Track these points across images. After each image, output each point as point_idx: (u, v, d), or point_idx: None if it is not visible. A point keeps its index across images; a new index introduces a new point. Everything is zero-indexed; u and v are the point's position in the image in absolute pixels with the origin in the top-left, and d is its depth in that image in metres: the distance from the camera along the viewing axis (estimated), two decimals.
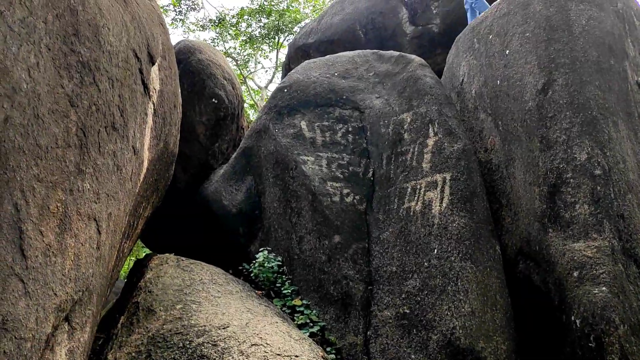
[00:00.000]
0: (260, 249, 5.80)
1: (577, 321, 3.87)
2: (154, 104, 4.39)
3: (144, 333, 4.38)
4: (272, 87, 17.33)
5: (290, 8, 15.18)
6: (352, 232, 5.28)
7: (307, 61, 7.10)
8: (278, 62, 17.22)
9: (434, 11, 7.97)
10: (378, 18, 8.37)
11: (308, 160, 5.73)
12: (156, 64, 4.37)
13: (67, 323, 2.76)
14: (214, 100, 7.35)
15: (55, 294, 2.56)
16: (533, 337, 4.47)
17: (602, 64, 4.52)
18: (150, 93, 4.28)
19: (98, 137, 3.10)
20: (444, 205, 4.71)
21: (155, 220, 6.59)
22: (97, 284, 3.13)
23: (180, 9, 14.81)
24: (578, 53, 4.54)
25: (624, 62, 4.74)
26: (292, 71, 6.87)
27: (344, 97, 6.23)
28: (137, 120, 3.89)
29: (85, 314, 2.96)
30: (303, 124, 6.06)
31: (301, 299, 5.26)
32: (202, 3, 15.40)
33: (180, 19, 14.86)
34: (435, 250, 4.55)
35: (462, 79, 5.94)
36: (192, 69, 7.29)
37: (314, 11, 15.13)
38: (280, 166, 5.93)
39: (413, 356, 4.23)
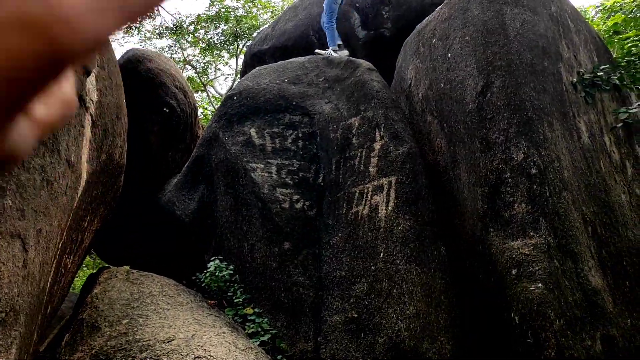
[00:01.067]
0: (213, 258, 5.74)
1: (516, 318, 3.94)
2: (91, 115, 4.30)
3: (87, 351, 4.28)
4: None
5: (248, 15, 15.11)
6: (302, 238, 5.27)
7: (257, 68, 7.09)
8: (238, 68, 17.17)
9: (385, 16, 8.04)
10: None
11: (258, 167, 5.71)
12: (92, 74, 4.28)
13: None
14: (165, 109, 7.25)
15: None
16: (481, 335, 4.53)
17: (536, 66, 4.63)
18: (87, 104, 4.20)
19: None
20: (390, 208, 4.74)
21: (109, 231, 6.47)
22: (24, 303, 3.04)
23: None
24: (513, 56, 4.63)
25: (558, 63, 4.87)
26: (243, 78, 6.85)
27: (294, 103, 6.23)
28: (70, 133, 3.81)
29: (11, 334, 2.87)
30: (253, 131, 6.03)
31: (253, 307, 5.22)
32: (158, 10, 15.17)
33: (136, 27, 14.61)
34: (382, 254, 4.57)
35: (410, 82, 6.01)
36: (141, 78, 7.18)
37: (272, 17, 15.09)
38: (231, 174, 5.89)
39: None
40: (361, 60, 6.25)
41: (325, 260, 5.08)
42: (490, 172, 4.46)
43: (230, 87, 17.08)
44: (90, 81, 4.29)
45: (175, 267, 6.13)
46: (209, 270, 5.58)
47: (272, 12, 15.74)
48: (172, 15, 16.88)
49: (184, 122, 7.61)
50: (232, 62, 17.66)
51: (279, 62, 7.04)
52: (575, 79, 4.98)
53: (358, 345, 4.31)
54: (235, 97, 6.39)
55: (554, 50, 4.82)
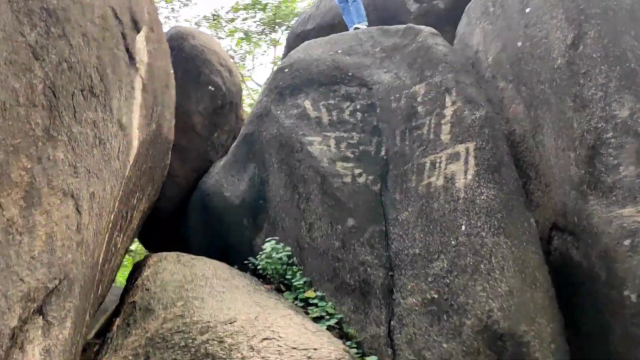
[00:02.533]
0: (268, 239, 5.33)
1: (632, 296, 3.40)
2: (142, 77, 3.94)
3: (142, 334, 3.91)
4: None
5: (287, 0, 14.76)
6: (367, 214, 4.82)
7: (307, 41, 6.66)
8: (277, 58, 16.82)
9: None
10: None
11: (315, 140, 5.28)
12: (142, 33, 3.92)
13: (40, 316, 2.30)
14: (210, 87, 6.91)
15: (22, 280, 2.10)
16: (576, 319, 4.00)
17: (636, 11, 4.06)
18: (137, 65, 3.84)
19: (72, 100, 2.65)
20: (469, 177, 4.24)
21: (153, 218, 6.15)
22: (78, 273, 2.68)
23: (173, 6, 14.42)
24: (610, 1, 4.08)
25: None
26: (293, 51, 6.43)
27: (350, 73, 5.77)
28: (122, 92, 3.44)
29: (65, 307, 2.50)
30: (307, 104, 5.60)
31: (315, 291, 4.79)
32: None
33: (174, 17, 14.46)
34: (463, 227, 4.08)
35: (477, 48, 5.49)
36: (185, 56, 6.85)
37: (310, 4, 14.70)
38: (285, 149, 5.48)
39: (445, 345, 3.75)
40: (422, 26, 5.76)
41: (394, 237, 4.61)
42: (587, 133, 3.92)
43: (269, 78, 16.77)
44: (140, 40, 3.92)
45: (219, 256, 5.74)
46: (264, 251, 5.17)
47: None
48: (208, 5, 16.67)
49: (229, 101, 7.25)
50: (271, 51, 17.34)
51: (330, 35, 6.60)
52: None
53: (440, 329, 3.83)
54: (286, 70, 5.98)
55: None
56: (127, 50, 3.56)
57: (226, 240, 6.15)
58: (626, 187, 3.67)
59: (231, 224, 6.09)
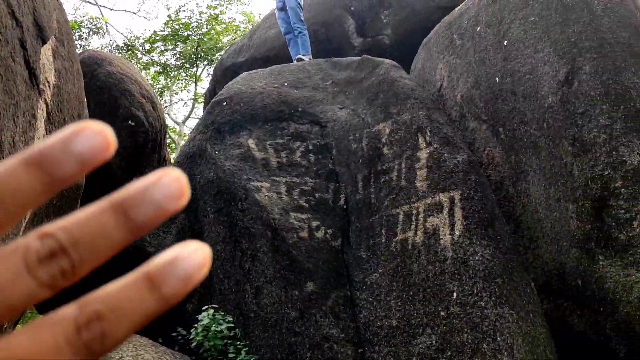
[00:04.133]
0: (203, 308, 4.34)
1: None
2: (47, 104, 2.94)
3: None
4: (191, 123, 15.86)
5: (210, 33, 13.86)
6: (329, 276, 4.01)
7: (246, 72, 5.88)
8: (197, 94, 15.82)
9: (384, 20, 7.08)
10: (321, 30, 7.36)
11: (262, 186, 4.43)
12: (49, 45, 2.95)
13: None
14: (130, 122, 5.87)
15: None
16: None
17: (634, 46, 3.68)
18: (41, 86, 2.84)
19: None
20: (457, 233, 3.57)
21: None
22: None
23: (81, 33, 12.99)
24: (605, 34, 3.68)
25: None
26: (231, 82, 5.62)
27: (299, 109, 5.04)
28: (18, 121, 2.44)
29: None
30: (251, 143, 4.77)
31: None
32: (106, 27, 13.75)
33: (81, 45, 13.07)
34: (455, 294, 3.37)
35: (441, 84, 4.97)
36: (100, 84, 5.80)
37: (234, 40, 13.97)
38: (225, 197, 4.58)
39: None
40: (382, 58, 5.18)
41: (362, 305, 3.83)
42: (592, 181, 3.41)
43: (188, 115, 15.69)
44: (46, 54, 2.94)
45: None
46: (201, 323, 4.18)
47: (235, 32, 14.64)
48: (122, 34, 15.41)
49: (152, 139, 6.23)
50: (191, 87, 16.31)
51: (272, 67, 5.87)
52: None
53: None
54: (225, 103, 5.13)
55: None
56: (28, 64, 2.58)
57: None
58: None
59: None
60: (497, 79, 4.24)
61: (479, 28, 4.52)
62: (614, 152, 3.38)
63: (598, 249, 3.35)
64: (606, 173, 3.38)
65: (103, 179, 5.55)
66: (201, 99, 14.96)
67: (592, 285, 3.36)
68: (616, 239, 3.27)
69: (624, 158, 3.33)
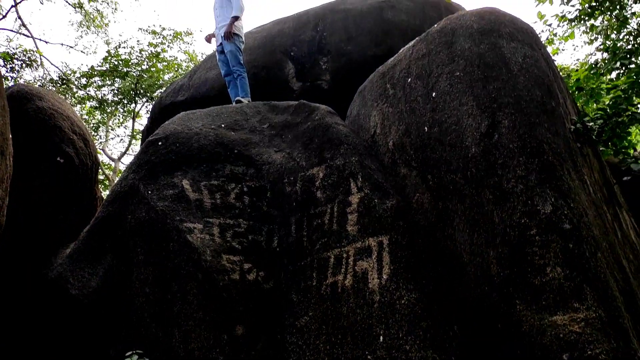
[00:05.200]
0: (127, 354, 4.18)
1: None
2: None
3: None
4: (127, 160, 15.46)
5: (150, 70, 13.76)
6: (259, 319, 3.99)
7: (184, 112, 5.87)
8: (135, 131, 15.51)
9: (323, 67, 7.33)
10: (261, 73, 7.51)
11: (195, 228, 4.40)
12: None
13: None
14: (59, 159, 5.70)
15: None
16: None
17: (546, 104, 4.00)
18: None
19: None
20: (385, 277, 3.67)
21: None
22: None
23: (12, 65, 12.54)
24: (521, 92, 3.98)
25: (559, 107, 4.31)
26: (167, 122, 5.58)
27: (235, 151, 5.08)
28: None
29: None
30: (186, 184, 4.75)
31: None
32: (40, 60, 13.32)
33: (13, 77, 12.60)
34: (382, 338, 3.44)
35: (374, 131, 5.16)
36: (29, 119, 5.63)
37: (175, 77, 13.94)
38: (156, 238, 4.49)
39: None
40: (318, 104, 5.34)
41: (292, 349, 3.82)
42: (511, 229, 3.61)
43: (124, 151, 15.32)
44: None
45: None
46: None
47: (176, 70, 14.60)
48: (57, 67, 15.00)
49: (82, 177, 6.06)
50: (129, 123, 15.98)
51: (211, 107, 5.91)
52: (572, 127, 4.43)
53: None
54: (160, 143, 5.10)
55: (554, 92, 4.26)
56: None
57: (73, 348, 4.80)
58: (555, 290, 3.36)
59: (79, 329, 4.79)
60: (426, 128, 4.46)
61: (409, 79, 4.77)
62: (529, 202, 3.61)
63: (515, 293, 3.52)
64: (522, 221, 3.59)
65: (28, 215, 5.34)
66: (139, 136, 14.70)
67: (511, 328, 3.51)
68: (531, 284, 3.46)
69: (538, 207, 3.56)
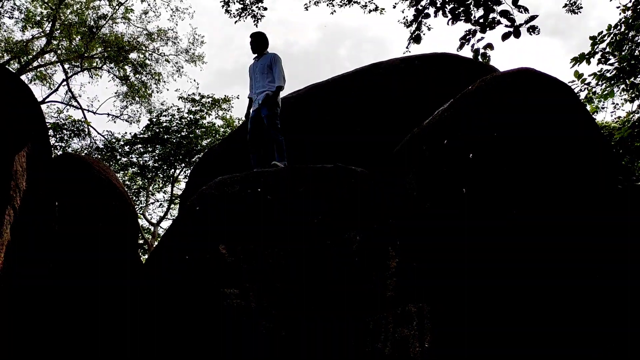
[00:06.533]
0: None
1: None
2: (16, 210, 2.94)
3: None
4: (166, 224, 15.74)
5: (190, 136, 14.29)
6: None
7: (220, 177, 5.97)
8: (173, 195, 15.89)
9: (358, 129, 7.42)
10: None
11: (232, 293, 4.36)
12: (23, 152, 3.01)
13: None
14: (100, 224, 5.82)
15: None
16: None
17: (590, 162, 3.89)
18: (11, 192, 2.86)
19: None
20: (427, 345, 3.51)
21: None
22: None
23: (62, 135, 13.24)
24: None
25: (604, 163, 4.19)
26: (204, 187, 5.67)
27: (272, 215, 5.08)
28: None
29: None
30: (222, 248, 4.75)
31: None
32: (87, 129, 14.04)
33: (62, 146, 13.29)
34: None
35: (412, 193, 5.10)
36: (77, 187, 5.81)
37: (212, 143, 14.40)
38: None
39: None
40: (353, 167, 5.36)
41: None
42: None
43: (163, 216, 15.63)
44: (20, 161, 2.98)
45: None
46: None
47: (214, 135, 15.10)
48: (102, 135, 15.78)
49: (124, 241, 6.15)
50: (167, 188, 16.41)
51: (246, 173, 5.99)
52: (619, 186, 4.29)
53: None
54: (197, 208, 5.16)
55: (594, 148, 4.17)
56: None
57: None
58: None
59: None
60: (464, 189, 4.38)
61: (445, 141, 4.74)
62: None
63: None
64: None
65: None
66: (177, 201, 15.00)
67: None
68: None
69: None
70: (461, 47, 5.48)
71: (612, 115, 10.98)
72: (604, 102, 8.81)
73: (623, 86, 7.19)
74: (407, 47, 7.61)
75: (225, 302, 4.23)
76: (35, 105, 3.63)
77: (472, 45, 5.43)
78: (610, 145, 5.67)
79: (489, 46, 5.41)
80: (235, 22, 10.09)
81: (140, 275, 5.08)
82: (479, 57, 5.49)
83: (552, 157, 3.90)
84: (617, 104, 9.35)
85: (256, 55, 7.42)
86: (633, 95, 7.09)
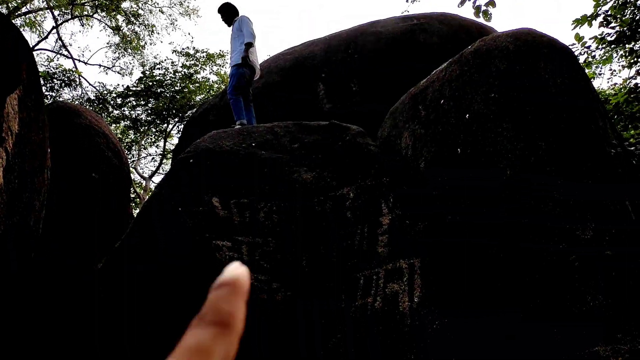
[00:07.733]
0: None
1: None
2: (8, 152, 2.90)
3: None
4: (158, 179, 15.67)
5: (183, 91, 14.03)
6: (286, 340, 3.92)
7: (214, 131, 5.93)
8: (166, 150, 15.77)
9: (354, 88, 7.33)
10: (292, 93, 7.56)
11: (224, 245, 4.39)
12: (15, 94, 2.94)
13: None
14: (94, 175, 5.81)
15: None
16: None
17: (585, 127, 3.89)
18: (3, 135, 2.81)
19: None
20: (416, 300, 3.58)
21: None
22: None
23: (52, 84, 12.95)
24: (560, 114, 3.88)
25: (599, 130, 4.19)
26: (198, 140, 5.64)
27: (265, 170, 5.08)
28: None
29: None
30: (215, 201, 4.76)
31: None
32: (79, 80, 13.74)
33: (52, 96, 13.00)
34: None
35: (406, 152, 5.10)
36: (66, 136, 5.76)
37: (206, 98, 14.16)
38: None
39: None
40: (348, 124, 5.33)
41: None
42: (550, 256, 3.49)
43: (155, 170, 15.56)
44: (11, 103, 2.93)
45: None
46: None
47: (208, 92, 14.85)
48: (94, 87, 15.37)
49: (114, 195, 6.15)
50: (160, 142, 16.26)
51: (241, 127, 5.96)
52: (612, 151, 4.30)
53: None
54: (191, 160, 5.14)
55: (593, 115, 4.16)
56: None
57: None
58: None
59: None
60: (459, 149, 4.38)
61: (442, 101, 4.72)
62: (566, 226, 3.49)
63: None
64: (561, 246, 3.47)
65: (62, 232, 5.42)
66: (170, 155, 14.92)
67: None
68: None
69: (577, 232, 3.44)
70: (462, 3, 5.37)
71: (608, 82, 10.95)
72: (601, 68, 8.75)
73: (622, 52, 7.12)
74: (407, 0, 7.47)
75: (217, 254, 4.26)
76: (26, 47, 3.54)
77: (474, 2, 5.33)
78: (607, 112, 5.66)
79: (491, 3, 5.31)
80: None
81: (131, 227, 5.08)
82: (481, 14, 5.39)
83: (548, 121, 3.89)
84: (615, 71, 9.29)
85: (231, 26, 7.67)
86: (632, 60, 7.02)
